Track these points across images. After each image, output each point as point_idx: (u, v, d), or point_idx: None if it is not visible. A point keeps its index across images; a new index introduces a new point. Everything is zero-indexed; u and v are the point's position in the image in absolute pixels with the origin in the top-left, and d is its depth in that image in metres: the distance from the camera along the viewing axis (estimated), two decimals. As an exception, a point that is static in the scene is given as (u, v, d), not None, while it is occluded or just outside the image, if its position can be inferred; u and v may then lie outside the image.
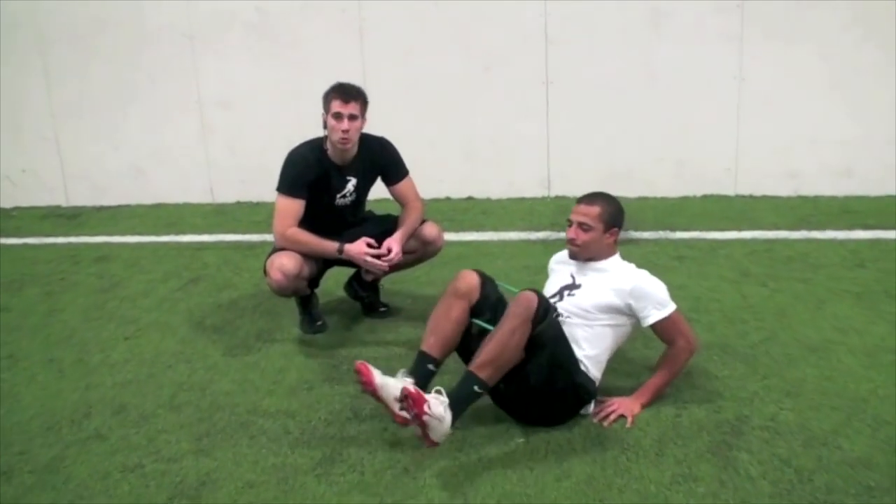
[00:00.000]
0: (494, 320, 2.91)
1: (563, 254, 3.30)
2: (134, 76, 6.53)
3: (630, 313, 3.04)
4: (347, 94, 3.63)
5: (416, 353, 2.99)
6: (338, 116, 3.61)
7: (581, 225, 3.10)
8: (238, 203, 6.56)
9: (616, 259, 3.18)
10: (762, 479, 2.59)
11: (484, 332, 2.90)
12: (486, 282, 3.09)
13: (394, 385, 2.76)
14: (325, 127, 3.69)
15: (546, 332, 2.82)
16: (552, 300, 3.09)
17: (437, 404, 2.71)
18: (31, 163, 6.84)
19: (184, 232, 5.92)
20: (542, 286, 3.27)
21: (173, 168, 6.68)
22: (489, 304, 3.03)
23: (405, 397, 2.70)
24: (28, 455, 2.97)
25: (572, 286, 3.15)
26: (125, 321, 4.23)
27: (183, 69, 6.44)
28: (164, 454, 2.93)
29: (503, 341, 2.77)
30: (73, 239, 5.91)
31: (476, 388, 2.79)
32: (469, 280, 3.05)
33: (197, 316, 4.25)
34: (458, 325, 3.00)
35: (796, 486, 2.56)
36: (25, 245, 5.83)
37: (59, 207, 6.83)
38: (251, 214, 6.19)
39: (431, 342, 2.97)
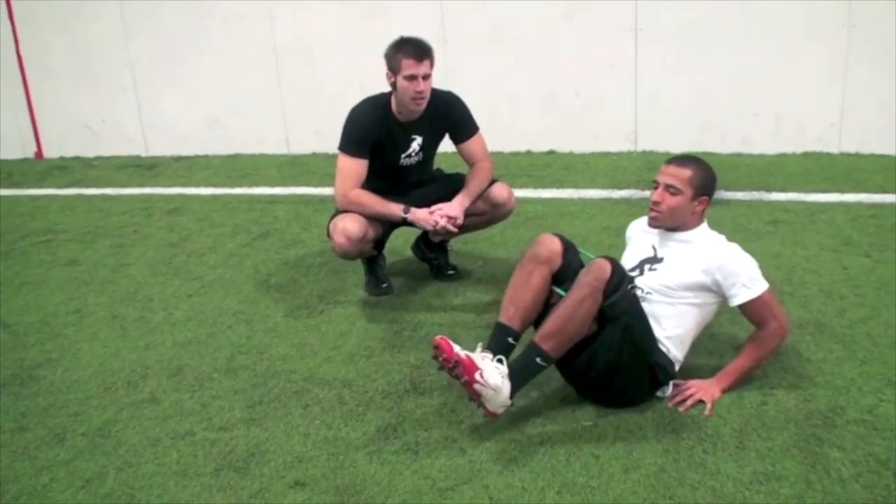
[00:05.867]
0: None
1: (643, 220, 3.00)
2: (208, 23, 6.45)
3: (717, 291, 2.77)
4: (421, 53, 3.39)
5: (494, 326, 2.78)
6: (412, 78, 3.38)
7: (668, 187, 2.81)
8: (314, 154, 6.45)
9: (703, 229, 2.89)
10: (854, 482, 2.32)
11: None
12: (569, 247, 2.85)
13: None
14: (395, 87, 3.46)
15: (619, 304, 2.59)
16: (631, 274, 2.84)
17: (494, 374, 2.55)
18: (110, 112, 6.88)
19: (257, 184, 5.85)
20: (621, 252, 3.03)
21: (249, 118, 6.61)
22: (572, 272, 2.77)
23: (456, 363, 2.52)
24: (82, 416, 2.96)
25: (654, 259, 2.89)
26: (190, 277, 4.18)
27: (258, 15, 6.31)
28: (216, 422, 2.85)
29: (569, 311, 2.57)
30: (148, 190, 5.93)
31: (538, 359, 2.61)
32: (550, 245, 2.82)
33: (262, 273, 4.16)
34: (539, 294, 2.78)
35: (894, 492, 2.27)
36: (103, 196, 5.88)
37: (138, 157, 6.87)
38: (325, 166, 6.01)
39: (511, 313, 2.76)
